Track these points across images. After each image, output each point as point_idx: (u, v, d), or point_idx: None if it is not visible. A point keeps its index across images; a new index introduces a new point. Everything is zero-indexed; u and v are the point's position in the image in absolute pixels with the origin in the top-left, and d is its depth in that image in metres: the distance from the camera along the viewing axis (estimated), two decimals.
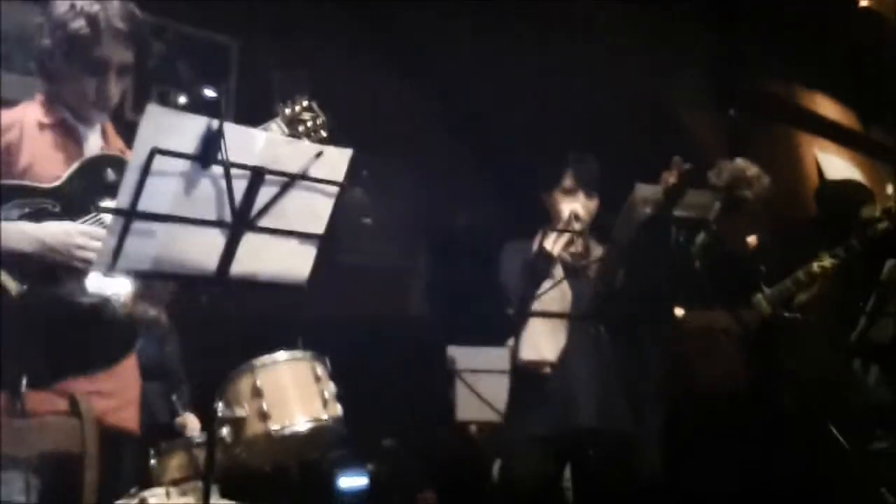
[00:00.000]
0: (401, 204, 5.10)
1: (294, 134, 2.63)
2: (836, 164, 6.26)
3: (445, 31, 4.80)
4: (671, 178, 2.84)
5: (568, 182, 3.51)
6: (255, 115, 2.66)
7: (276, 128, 2.66)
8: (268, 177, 2.19)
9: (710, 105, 5.43)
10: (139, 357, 2.68)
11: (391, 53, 4.86)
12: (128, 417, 2.61)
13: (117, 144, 2.64)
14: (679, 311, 3.47)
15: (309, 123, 2.76)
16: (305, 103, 2.78)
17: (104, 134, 2.62)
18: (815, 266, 3.79)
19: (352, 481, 4.00)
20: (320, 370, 3.58)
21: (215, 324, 2.66)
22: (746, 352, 3.52)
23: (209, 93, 2.12)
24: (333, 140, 2.60)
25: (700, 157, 3.79)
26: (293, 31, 4.73)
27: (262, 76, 4.34)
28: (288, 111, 2.75)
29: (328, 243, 2.40)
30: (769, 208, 3.98)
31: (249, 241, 2.23)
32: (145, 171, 2.00)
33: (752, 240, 4.01)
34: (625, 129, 4.58)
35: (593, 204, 3.50)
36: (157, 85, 4.08)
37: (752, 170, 3.86)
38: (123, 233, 2.03)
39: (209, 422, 3.38)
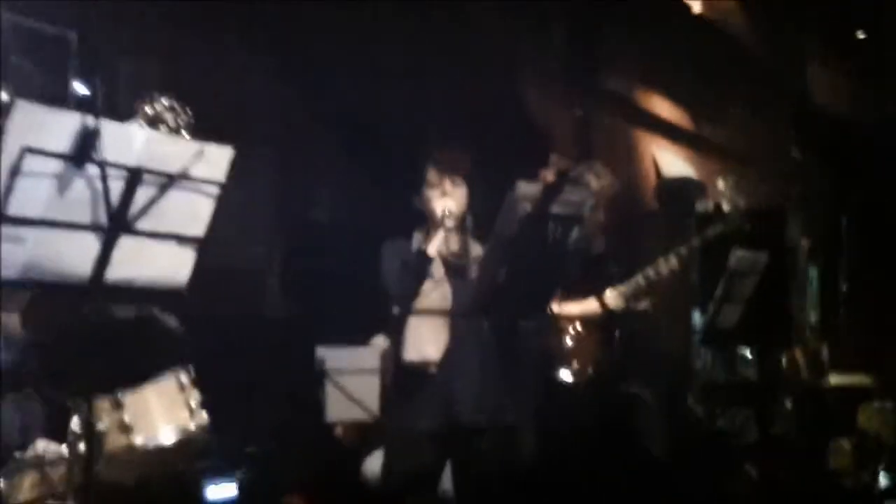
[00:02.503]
0: (259, 201, 4.97)
1: None
2: (673, 162, 6.61)
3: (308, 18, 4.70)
4: (549, 175, 2.91)
5: (432, 176, 3.52)
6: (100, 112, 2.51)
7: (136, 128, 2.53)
8: (146, 176, 2.09)
9: (560, 104, 5.60)
10: None
11: (253, 42, 4.70)
12: None
13: None
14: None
15: (171, 123, 2.64)
16: (167, 102, 2.66)
17: None
18: (662, 264, 4.01)
19: (220, 491, 3.87)
20: (184, 378, 3.44)
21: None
22: (608, 341, 3.66)
23: (80, 87, 1.97)
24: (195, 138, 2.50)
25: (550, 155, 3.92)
26: (139, 21, 4.49)
27: (106, 69, 4.10)
28: (148, 110, 2.62)
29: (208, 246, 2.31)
30: (614, 209, 4.17)
31: (126, 244, 2.12)
32: (15, 171, 1.86)
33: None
34: (485, 126, 4.65)
35: (461, 192, 3.51)
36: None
37: (591, 175, 4.03)
38: None
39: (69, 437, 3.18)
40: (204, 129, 2.58)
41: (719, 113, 6.91)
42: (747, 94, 6.67)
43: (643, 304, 4.07)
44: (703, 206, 5.82)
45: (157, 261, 2.21)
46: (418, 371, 3.37)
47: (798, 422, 5.64)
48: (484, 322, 3.21)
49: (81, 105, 2.94)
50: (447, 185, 3.50)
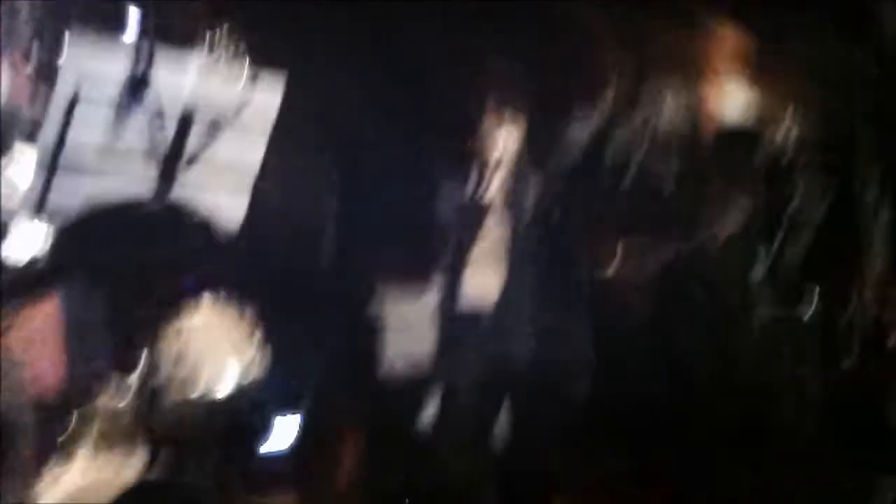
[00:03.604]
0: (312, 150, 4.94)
1: None
2: (738, 93, 6.36)
3: None
4: (605, 110, 2.82)
5: (490, 114, 3.43)
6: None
7: None
8: (198, 115, 2.07)
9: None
10: None
11: None
12: None
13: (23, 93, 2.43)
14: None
15: (229, 51, 2.59)
16: (225, 29, 2.62)
17: None
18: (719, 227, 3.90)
19: (275, 440, 3.92)
20: (244, 329, 3.45)
21: None
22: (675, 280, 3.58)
23: (135, 16, 1.95)
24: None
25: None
26: None
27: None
28: (207, 36, 2.58)
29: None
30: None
31: (185, 176, 2.11)
32: (72, 102, 1.84)
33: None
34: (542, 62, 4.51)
35: (519, 130, 3.42)
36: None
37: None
38: (51, 172, 1.88)
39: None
40: (261, 60, 2.54)
41: (792, 32, 6.62)
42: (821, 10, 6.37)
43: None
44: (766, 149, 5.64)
45: (210, 202, 2.19)
46: (473, 315, 3.33)
47: (862, 361, 5.52)
48: (539, 265, 3.15)
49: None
50: (506, 123, 3.42)
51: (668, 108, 4.02)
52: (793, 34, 6.60)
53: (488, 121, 3.46)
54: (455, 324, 3.44)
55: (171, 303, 3.22)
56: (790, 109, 4.42)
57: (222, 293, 3.47)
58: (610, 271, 3.50)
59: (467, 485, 3.49)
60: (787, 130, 4.54)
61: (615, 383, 3.49)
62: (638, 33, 5.33)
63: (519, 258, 3.20)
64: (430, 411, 3.87)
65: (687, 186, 4.22)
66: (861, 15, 6.54)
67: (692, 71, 6.16)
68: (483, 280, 3.32)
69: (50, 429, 3.20)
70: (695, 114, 5.95)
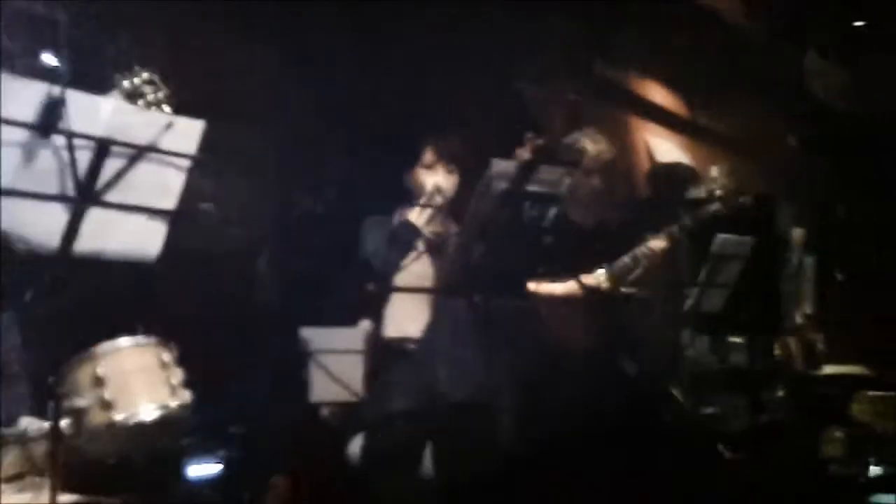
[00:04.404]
0: (246, 183, 4.97)
1: None
2: (667, 149, 6.60)
3: None
4: (525, 153, 2.92)
5: (429, 157, 3.57)
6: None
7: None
8: (115, 148, 2.09)
9: (555, 86, 5.59)
10: None
11: (246, 19, 4.68)
12: None
13: None
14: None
15: (150, 97, 2.62)
16: (146, 76, 2.65)
17: None
18: (652, 244, 4.03)
19: (202, 469, 3.89)
20: (166, 356, 3.44)
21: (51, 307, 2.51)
22: (591, 321, 3.66)
23: (48, 59, 1.98)
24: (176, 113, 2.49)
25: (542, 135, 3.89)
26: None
27: (90, 45, 4.08)
28: (126, 84, 2.60)
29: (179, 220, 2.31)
30: (609, 177, 4.17)
31: (95, 216, 2.12)
32: None
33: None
34: (477, 107, 4.66)
35: (454, 179, 3.57)
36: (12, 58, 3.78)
37: (587, 138, 4.03)
38: None
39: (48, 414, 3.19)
40: (185, 105, 2.57)
41: (715, 101, 6.89)
42: (745, 81, 6.64)
43: (631, 286, 4.08)
44: (696, 192, 5.82)
45: (126, 233, 2.21)
46: (398, 349, 3.38)
47: (790, 411, 5.64)
48: (460, 301, 3.22)
49: (49, 75, 2.94)
50: (441, 168, 3.54)
51: (602, 143, 4.13)
52: (723, 101, 6.89)
53: (429, 162, 3.57)
54: (383, 354, 3.48)
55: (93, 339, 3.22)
56: (717, 168, 4.58)
57: (144, 328, 3.48)
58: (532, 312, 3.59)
59: None
60: (713, 182, 4.69)
61: (540, 424, 3.55)
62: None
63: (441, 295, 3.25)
64: (360, 441, 3.89)
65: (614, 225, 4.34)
66: (788, 90, 6.82)
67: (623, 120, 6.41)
68: (407, 312, 3.37)
69: None
70: (625, 164, 6.16)
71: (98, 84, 2.38)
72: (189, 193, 4.82)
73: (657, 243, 4.03)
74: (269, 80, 4.51)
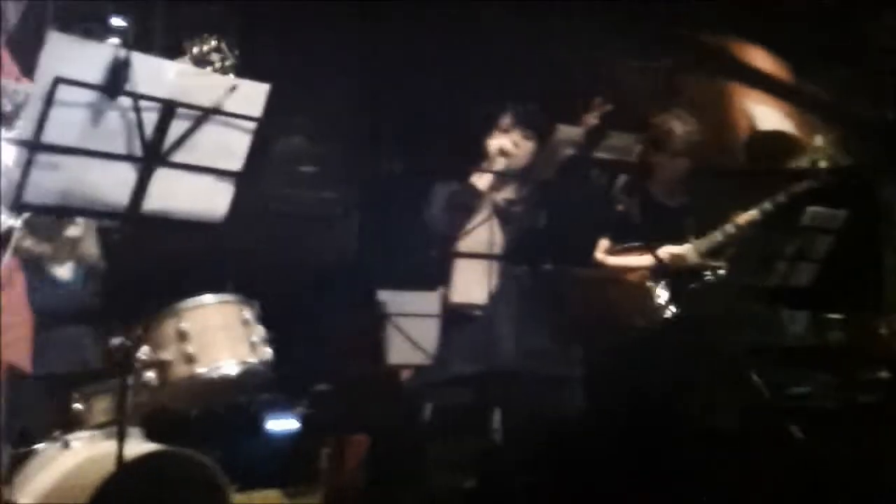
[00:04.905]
0: (336, 148, 5.06)
1: None
2: (769, 116, 6.34)
3: None
4: (591, 118, 2.86)
5: (506, 121, 3.52)
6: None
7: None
8: (180, 110, 2.15)
9: (643, 55, 5.45)
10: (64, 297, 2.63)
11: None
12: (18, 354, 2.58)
13: (12, 72, 2.55)
14: (603, 245, 3.51)
15: (217, 65, 2.68)
16: (214, 43, 2.70)
17: None
18: (742, 219, 3.90)
19: (281, 424, 4.02)
20: (248, 314, 3.56)
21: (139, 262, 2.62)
22: (670, 294, 3.57)
23: (117, 21, 2.05)
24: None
25: (632, 106, 3.82)
26: None
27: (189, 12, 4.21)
28: (196, 50, 2.66)
29: (256, 185, 2.36)
30: (698, 157, 4.05)
31: (162, 176, 2.19)
32: (48, 100, 1.94)
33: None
34: (558, 78, 4.60)
35: (529, 145, 3.50)
36: (82, 21, 3.94)
37: (675, 119, 3.92)
38: (27, 165, 1.98)
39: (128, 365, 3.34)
40: (251, 73, 2.62)
41: (822, 68, 6.57)
42: (852, 49, 6.31)
43: (720, 260, 3.97)
44: (798, 163, 5.58)
45: (193, 194, 2.27)
46: (464, 314, 3.39)
47: (889, 392, 5.39)
48: (524, 268, 3.19)
49: (116, 36, 3.04)
50: (517, 135, 3.49)
51: (691, 125, 4.03)
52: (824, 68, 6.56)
53: (505, 127, 3.53)
54: (446, 318, 3.50)
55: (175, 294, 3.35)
56: (821, 137, 4.39)
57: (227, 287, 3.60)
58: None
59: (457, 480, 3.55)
60: (817, 152, 4.50)
61: (606, 396, 3.51)
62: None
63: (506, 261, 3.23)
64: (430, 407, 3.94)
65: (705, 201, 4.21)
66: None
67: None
68: (473, 278, 3.37)
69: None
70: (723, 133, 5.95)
71: (167, 51, 2.45)
72: (288, 156, 4.99)
73: (748, 218, 3.90)
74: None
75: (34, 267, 3.11)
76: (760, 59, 6.42)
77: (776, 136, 6.08)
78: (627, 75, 5.29)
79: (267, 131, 2.35)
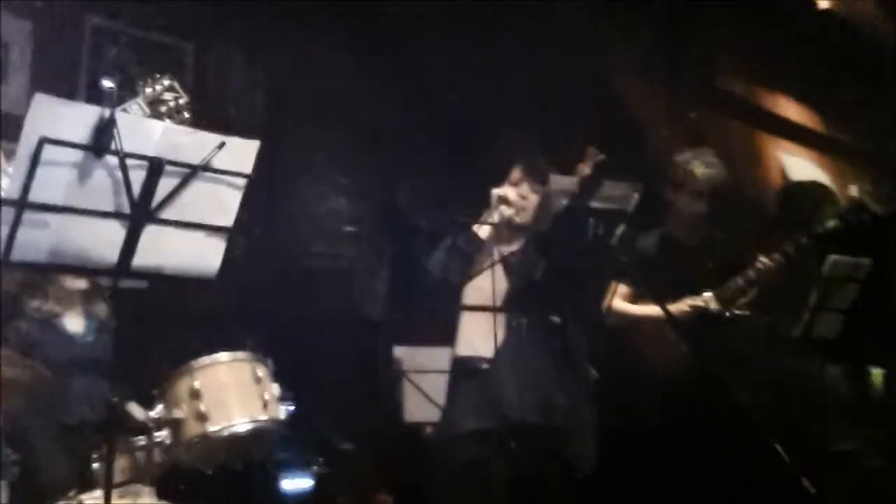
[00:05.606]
0: (365, 203, 5.11)
1: (155, 114, 2.62)
2: (802, 166, 6.26)
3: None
4: (585, 168, 2.84)
5: (516, 174, 3.50)
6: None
7: (136, 108, 2.65)
8: (168, 168, 2.18)
9: (672, 107, 5.44)
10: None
11: (366, 51, 4.85)
12: None
13: None
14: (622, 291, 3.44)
15: (171, 104, 2.73)
16: (167, 83, 2.76)
17: None
18: (761, 263, 3.81)
19: (296, 483, 3.99)
20: (261, 371, 3.55)
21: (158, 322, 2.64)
22: (692, 344, 3.48)
23: (105, 83, 2.11)
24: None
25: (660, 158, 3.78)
26: (250, 32, 4.74)
27: (216, 78, 4.34)
28: (149, 90, 2.73)
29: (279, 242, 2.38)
30: (723, 205, 3.99)
31: (151, 233, 2.22)
32: (34, 160, 1.99)
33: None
34: (581, 124, 4.60)
35: (535, 199, 3.47)
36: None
37: (697, 160, 3.89)
38: (15, 223, 2.02)
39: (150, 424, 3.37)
40: (203, 112, 2.67)
41: (852, 114, 6.48)
42: (881, 94, 6.22)
43: (742, 307, 3.87)
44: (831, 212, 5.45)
45: (184, 250, 2.30)
46: (470, 366, 3.34)
47: None
48: (524, 319, 3.15)
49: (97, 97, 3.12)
50: (525, 188, 3.47)
51: (714, 168, 3.99)
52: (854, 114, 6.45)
53: (514, 180, 3.52)
54: (454, 372, 3.46)
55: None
56: (857, 187, 4.29)
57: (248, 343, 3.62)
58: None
59: None
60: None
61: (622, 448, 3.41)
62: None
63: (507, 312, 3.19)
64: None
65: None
66: None
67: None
68: (478, 329, 3.33)
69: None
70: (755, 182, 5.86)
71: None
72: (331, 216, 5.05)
73: (770, 262, 3.81)
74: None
75: (45, 323, 3.17)
76: (790, 109, 6.37)
77: (809, 186, 5.99)
78: (655, 127, 5.28)
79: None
